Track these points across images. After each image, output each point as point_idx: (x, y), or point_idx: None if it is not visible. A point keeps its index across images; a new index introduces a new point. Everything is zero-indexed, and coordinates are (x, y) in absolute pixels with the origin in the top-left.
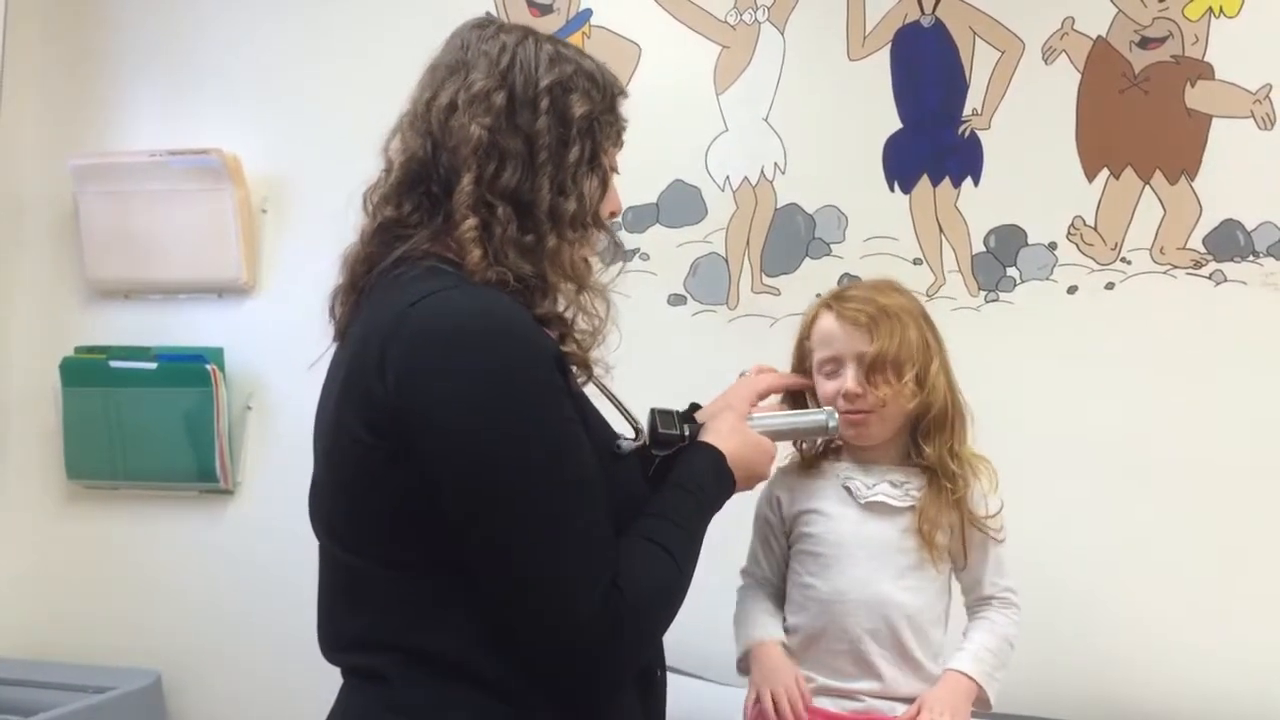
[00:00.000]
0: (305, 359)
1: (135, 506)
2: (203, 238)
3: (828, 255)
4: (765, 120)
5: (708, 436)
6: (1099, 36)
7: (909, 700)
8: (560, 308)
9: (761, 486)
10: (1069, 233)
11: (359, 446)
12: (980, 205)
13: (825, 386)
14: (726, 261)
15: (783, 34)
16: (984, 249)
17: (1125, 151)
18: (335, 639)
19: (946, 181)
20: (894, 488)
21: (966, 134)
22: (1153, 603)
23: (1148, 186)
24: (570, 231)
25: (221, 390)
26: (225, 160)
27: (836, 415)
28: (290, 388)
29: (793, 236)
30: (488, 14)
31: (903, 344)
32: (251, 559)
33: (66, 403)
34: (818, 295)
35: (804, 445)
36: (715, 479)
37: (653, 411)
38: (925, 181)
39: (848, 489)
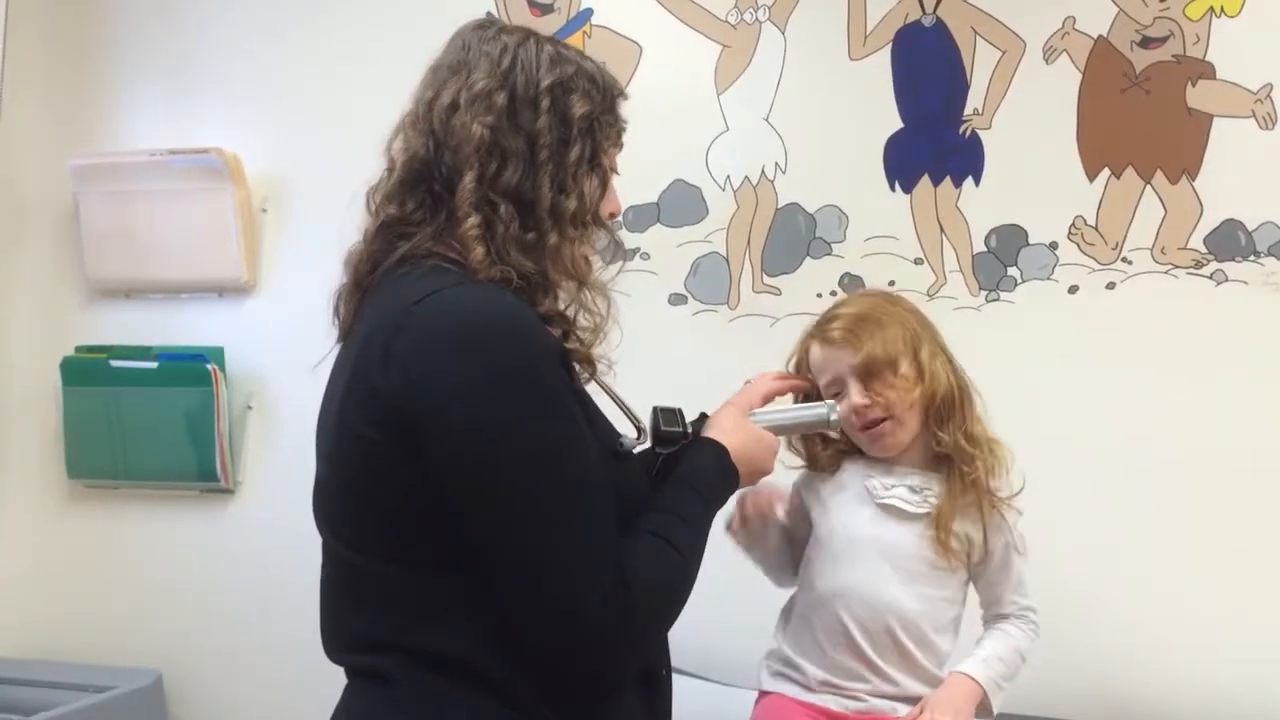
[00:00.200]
0: (306, 358)
1: (136, 506)
2: (203, 237)
3: (828, 255)
4: (766, 120)
5: (710, 432)
6: (1100, 36)
7: (912, 701)
8: (562, 305)
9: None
10: (1070, 232)
11: (364, 444)
12: (981, 205)
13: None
14: (727, 261)
15: (784, 33)
16: (985, 249)
17: (1126, 151)
18: (339, 638)
19: (947, 181)
20: (912, 493)
21: (967, 134)
22: (1153, 602)
23: (1149, 186)
24: (571, 229)
25: (222, 390)
26: (225, 160)
27: (837, 408)
28: (291, 387)
29: (793, 236)
30: (489, 15)
31: (885, 341)
32: (252, 559)
33: (67, 402)
34: (818, 295)
35: (821, 448)
36: (719, 474)
37: (655, 409)
38: (926, 181)
39: (867, 488)
